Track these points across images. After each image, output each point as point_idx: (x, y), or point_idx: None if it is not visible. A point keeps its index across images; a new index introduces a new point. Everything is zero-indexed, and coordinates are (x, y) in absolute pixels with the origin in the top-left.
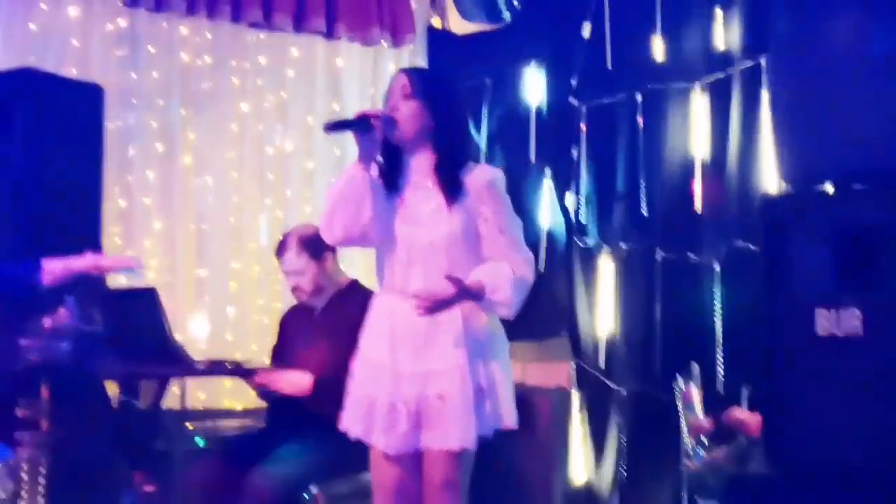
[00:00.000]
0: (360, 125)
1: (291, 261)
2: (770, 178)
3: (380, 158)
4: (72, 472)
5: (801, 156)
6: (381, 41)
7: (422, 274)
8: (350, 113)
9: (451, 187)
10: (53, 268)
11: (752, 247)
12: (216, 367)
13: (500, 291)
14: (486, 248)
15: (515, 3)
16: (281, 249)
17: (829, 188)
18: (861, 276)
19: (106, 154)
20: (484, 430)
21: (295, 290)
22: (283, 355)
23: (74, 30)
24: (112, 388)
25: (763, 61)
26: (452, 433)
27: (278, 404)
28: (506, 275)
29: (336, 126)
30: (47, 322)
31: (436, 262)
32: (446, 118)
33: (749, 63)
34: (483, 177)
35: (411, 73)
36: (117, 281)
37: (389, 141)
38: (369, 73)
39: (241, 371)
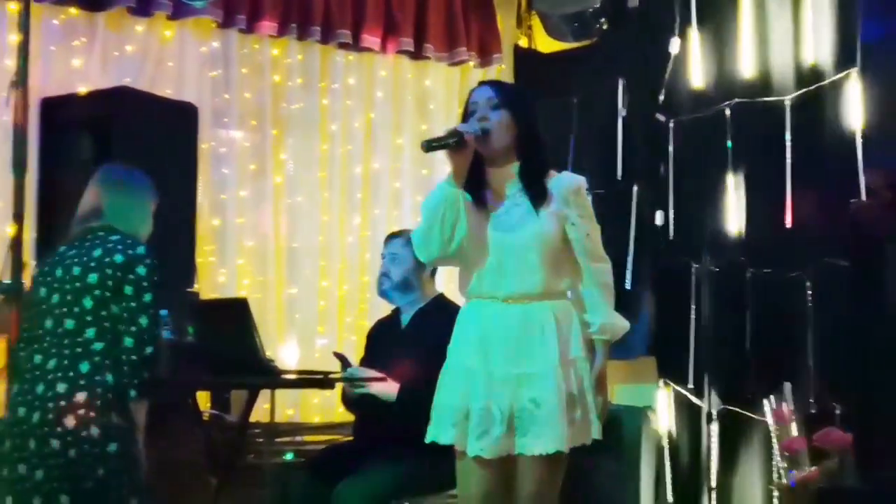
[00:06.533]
0: (455, 141)
1: (396, 246)
2: (860, 190)
3: None
4: (161, 484)
5: (890, 165)
6: (469, 61)
7: (514, 278)
8: (437, 131)
9: (539, 192)
10: None
11: (842, 262)
12: (305, 379)
13: (617, 322)
14: (574, 251)
15: (602, 20)
16: (394, 235)
17: None
18: None
19: (200, 173)
20: (576, 437)
21: (383, 275)
22: (369, 368)
23: (169, 51)
24: (203, 402)
25: (854, 73)
26: (548, 438)
27: (365, 418)
28: (604, 304)
29: (433, 145)
30: None
31: (528, 265)
32: (531, 127)
33: (839, 75)
34: (571, 183)
35: (494, 85)
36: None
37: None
38: (456, 93)
39: (329, 382)
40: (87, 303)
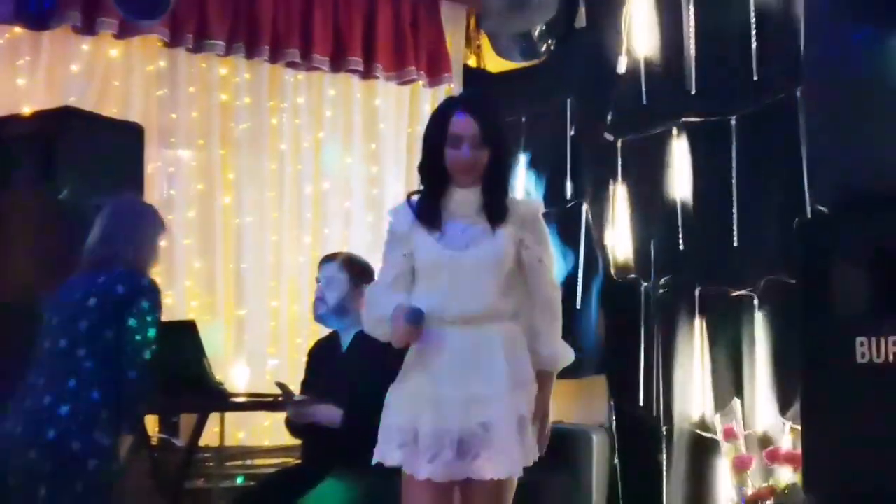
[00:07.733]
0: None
1: (331, 270)
2: (806, 206)
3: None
4: None
5: (836, 181)
6: (418, 80)
7: (464, 298)
8: (386, 151)
9: (499, 213)
10: None
11: (789, 279)
12: (255, 402)
13: (563, 354)
14: (525, 275)
15: (550, 40)
16: (328, 258)
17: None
18: None
19: (146, 193)
20: (527, 460)
21: (318, 300)
22: (313, 389)
23: (115, 70)
24: (151, 425)
25: (798, 91)
26: (499, 462)
27: (312, 441)
28: (550, 334)
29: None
30: None
31: (479, 284)
32: (504, 155)
33: (784, 93)
34: (530, 208)
35: (481, 118)
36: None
37: (435, 178)
38: (406, 112)
39: (280, 405)
40: (83, 325)
